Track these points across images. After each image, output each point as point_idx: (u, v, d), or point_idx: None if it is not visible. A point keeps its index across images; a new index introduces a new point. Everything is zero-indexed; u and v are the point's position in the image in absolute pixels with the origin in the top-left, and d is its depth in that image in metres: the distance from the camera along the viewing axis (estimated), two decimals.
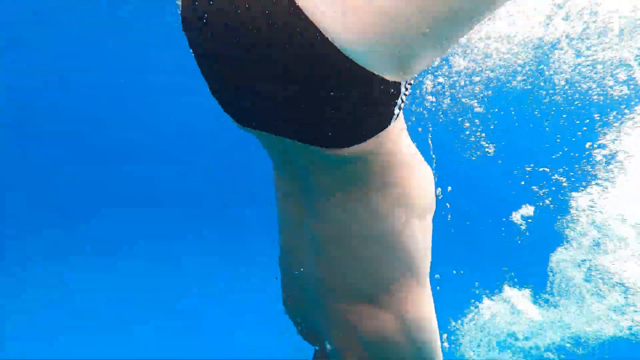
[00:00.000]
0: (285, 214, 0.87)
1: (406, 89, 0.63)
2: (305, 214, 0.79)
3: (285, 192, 0.85)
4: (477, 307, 6.68)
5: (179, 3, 0.55)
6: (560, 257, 6.57)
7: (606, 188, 5.85)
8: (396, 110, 0.63)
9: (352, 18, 0.46)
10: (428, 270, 0.81)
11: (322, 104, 0.54)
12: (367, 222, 0.73)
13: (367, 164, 0.70)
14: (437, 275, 1.01)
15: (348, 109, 0.55)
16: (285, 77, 0.50)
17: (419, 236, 0.77)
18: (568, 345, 7.06)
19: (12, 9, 7.37)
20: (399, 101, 0.62)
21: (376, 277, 0.76)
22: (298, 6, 0.47)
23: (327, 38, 0.47)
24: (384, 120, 0.62)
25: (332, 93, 0.52)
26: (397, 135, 0.71)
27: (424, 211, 0.79)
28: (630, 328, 6.42)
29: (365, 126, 0.61)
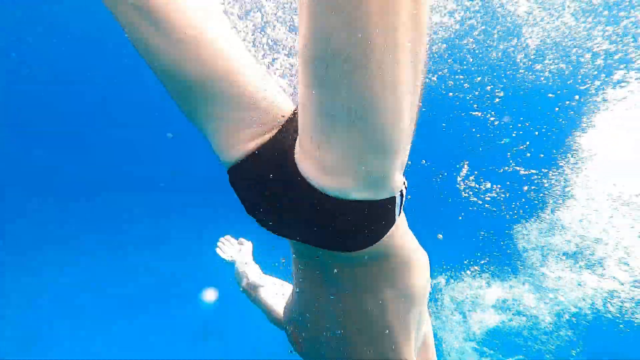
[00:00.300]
0: (303, 289, 1.07)
1: (404, 187, 0.77)
2: (322, 292, 0.98)
3: (304, 274, 1.04)
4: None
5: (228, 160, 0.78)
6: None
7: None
8: (397, 212, 0.76)
9: (325, 174, 0.64)
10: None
11: (332, 228, 0.72)
12: (377, 307, 0.93)
13: (378, 259, 0.86)
14: None
15: (354, 226, 0.72)
16: (308, 216, 0.72)
17: (414, 319, 0.98)
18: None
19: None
20: (398, 203, 0.75)
21: (380, 345, 0.97)
22: (300, 174, 0.68)
23: (313, 186, 0.67)
24: (387, 225, 0.76)
25: (337, 218, 0.70)
26: (402, 233, 0.88)
27: (423, 299, 1.00)
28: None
29: (371, 234, 0.75)
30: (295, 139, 0.71)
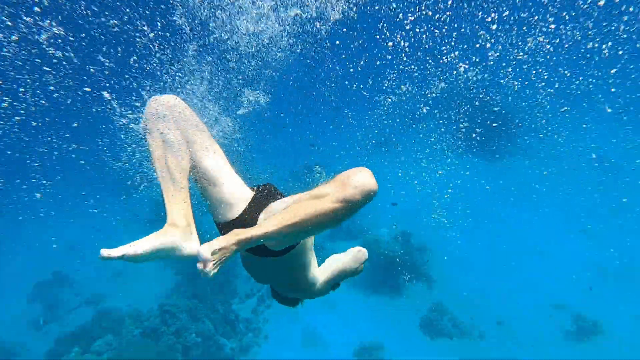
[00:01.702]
0: (251, 264, 1.89)
1: None
2: (266, 266, 1.80)
3: (249, 261, 1.86)
4: None
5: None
6: None
7: None
8: None
9: None
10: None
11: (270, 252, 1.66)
12: (308, 258, 1.88)
13: (303, 248, 1.78)
14: None
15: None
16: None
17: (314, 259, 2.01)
18: None
19: None
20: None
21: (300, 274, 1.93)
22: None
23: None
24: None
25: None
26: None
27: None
28: None
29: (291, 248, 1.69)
30: (251, 219, 1.63)
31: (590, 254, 14.10)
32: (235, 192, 1.59)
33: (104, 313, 11.58)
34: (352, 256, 2.11)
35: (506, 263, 14.35)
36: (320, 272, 2.01)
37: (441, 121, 27.09)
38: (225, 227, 1.60)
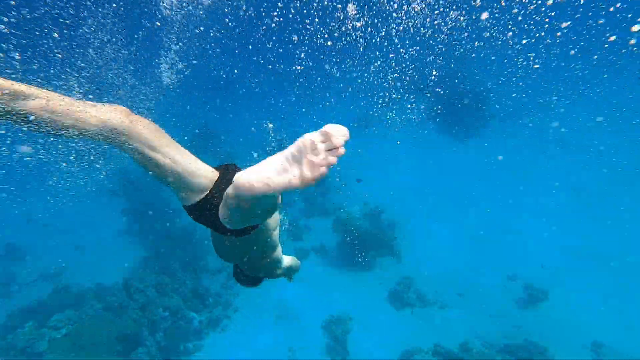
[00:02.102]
0: (221, 243, 1.97)
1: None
2: (235, 243, 1.86)
3: (219, 238, 1.93)
4: None
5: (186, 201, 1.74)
6: None
7: None
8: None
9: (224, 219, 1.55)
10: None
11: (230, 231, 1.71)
12: (272, 237, 1.98)
13: (267, 227, 1.91)
14: None
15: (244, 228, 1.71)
16: (221, 227, 1.65)
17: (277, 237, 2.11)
18: None
19: None
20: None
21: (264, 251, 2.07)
22: (219, 216, 1.56)
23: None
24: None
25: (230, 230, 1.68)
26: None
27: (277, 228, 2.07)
28: None
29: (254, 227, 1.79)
30: (218, 201, 1.57)
31: (549, 233, 15.05)
32: (202, 169, 1.64)
33: (63, 288, 11.05)
34: (293, 261, 2.87)
35: (469, 239, 15.07)
36: (280, 256, 2.33)
37: (413, 97, 27.44)
38: (192, 211, 1.67)
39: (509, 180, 19.76)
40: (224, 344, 10.37)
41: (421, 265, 13.24)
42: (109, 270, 13.13)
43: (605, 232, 14.60)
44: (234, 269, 2.43)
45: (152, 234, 15.13)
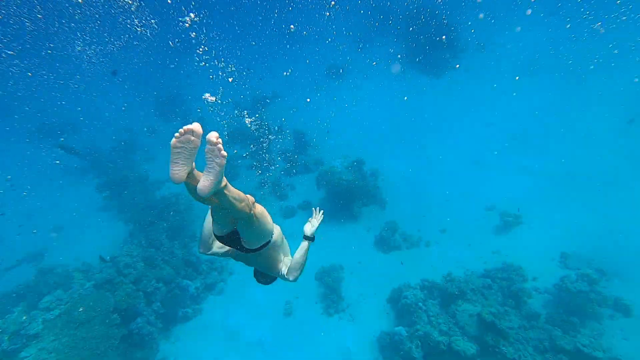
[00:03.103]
0: (244, 257, 2.77)
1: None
2: (246, 257, 2.77)
3: (224, 252, 2.77)
4: None
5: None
6: None
7: None
8: (270, 240, 2.70)
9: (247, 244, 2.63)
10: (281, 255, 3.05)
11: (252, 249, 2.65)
12: (273, 253, 2.85)
13: (271, 245, 2.72)
14: None
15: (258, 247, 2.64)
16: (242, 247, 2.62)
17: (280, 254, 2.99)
18: None
19: None
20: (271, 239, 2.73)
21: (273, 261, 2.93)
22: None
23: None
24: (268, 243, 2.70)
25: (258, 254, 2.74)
26: (275, 234, 2.77)
27: (282, 245, 3.00)
28: None
29: (264, 245, 2.65)
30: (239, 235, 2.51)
31: (520, 160, 15.58)
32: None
33: (47, 269, 10.81)
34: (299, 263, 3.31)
35: (447, 175, 15.50)
36: (283, 264, 2.99)
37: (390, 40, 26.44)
38: (222, 239, 2.56)
39: (478, 113, 19.96)
40: (223, 305, 10.68)
41: (404, 209, 13.67)
42: (93, 248, 12.89)
43: (572, 152, 15.14)
44: (254, 271, 3.12)
45: (132, 208, 14.74)
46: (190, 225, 14.27)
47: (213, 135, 1.84)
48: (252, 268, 3.02)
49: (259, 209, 2.33)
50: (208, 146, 1.89)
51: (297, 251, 3.01)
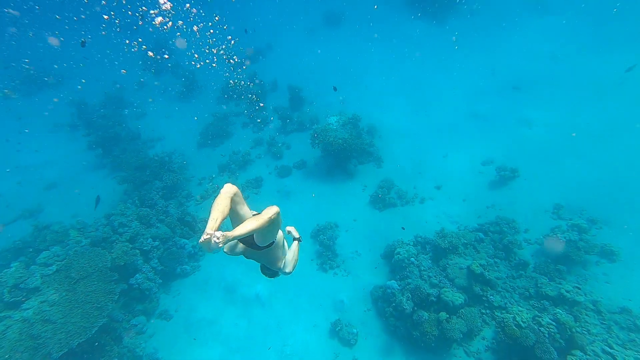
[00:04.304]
0: (251, 253, 3.30)
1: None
2: (254, 254, 3.29)
3: (250, 251, 3.28)
4: None
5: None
6: None
7: None
8: (275, 238, 3.22)
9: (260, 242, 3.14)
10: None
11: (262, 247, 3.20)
12: (276, 251, 3.39)
13: (276, 243, 3.30)
14: None
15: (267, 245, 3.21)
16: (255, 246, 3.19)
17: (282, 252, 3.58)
18: None
19: None
20: (277, 239, 3.31)
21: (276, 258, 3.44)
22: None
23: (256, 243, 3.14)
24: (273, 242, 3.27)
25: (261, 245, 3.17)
26: (279, 235, 3.34)
27: (283, 245, 3.60)
28: None
29: (270, 243, 3.21)
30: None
31: (520, 112, 15.13)
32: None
33: (44, 227, 10.90)
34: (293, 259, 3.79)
35: (445, 131, 15.13)
36: (282, 260, 3.51)
37: None
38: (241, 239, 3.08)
39: (481, 62, 19.08)
40: (220, 261, 10.89)
41: (400, 166, 13.50)
42: (87, 207, 12.90)
43: (575, 102, 14.67)
44: (261, 266, 3.65)
45: (125, 167, 14.53)
46: (186, 185, 14.17)
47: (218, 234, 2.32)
48: (259, 265, 3.67)
49: (271, 213, 2.79)
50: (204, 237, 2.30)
51: (289, 250, 3.68)
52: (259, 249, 3.09)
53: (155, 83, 23.26)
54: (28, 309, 7.83)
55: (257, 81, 20.22)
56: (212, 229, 2.35)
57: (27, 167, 17.02)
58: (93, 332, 7.53)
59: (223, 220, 2.58)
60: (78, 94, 21.85)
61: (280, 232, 3.30)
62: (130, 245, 9.85)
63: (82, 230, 10.49)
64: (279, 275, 3.79)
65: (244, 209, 3.08)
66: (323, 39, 25.70)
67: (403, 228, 9.97)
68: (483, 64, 19.13)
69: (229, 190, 2.80)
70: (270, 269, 3.66)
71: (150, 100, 21.61)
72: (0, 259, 10.16)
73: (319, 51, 23.85)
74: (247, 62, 22.69)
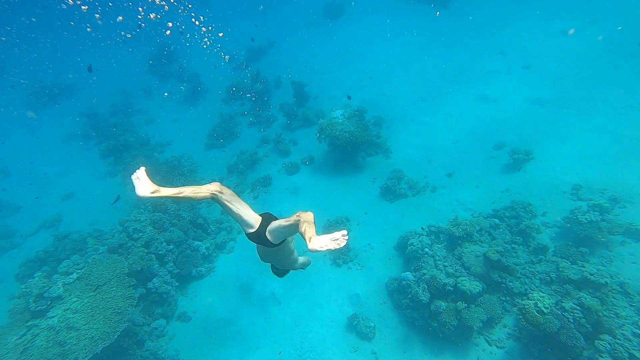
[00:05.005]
0: (263, 251, 3.31)
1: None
2: (266, 251, 3.28)
3: (262, 249, 3.30)
4: None
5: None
6: None
7: None
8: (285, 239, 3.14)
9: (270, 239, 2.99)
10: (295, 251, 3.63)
11: (272, 244, 3.07)
12: (289, 248, 3.42)
13: (288, 241, 3.27)
14: None
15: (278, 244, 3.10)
16: (266, 242, 3.01)
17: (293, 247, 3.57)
18: None
19: None
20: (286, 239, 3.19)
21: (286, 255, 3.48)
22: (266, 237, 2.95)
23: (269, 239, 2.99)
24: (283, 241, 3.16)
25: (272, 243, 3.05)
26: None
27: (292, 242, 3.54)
28: None
29: (281, 242, 3.10)
30: (264, 231, 2.92)
31: (532, 92, 14.64)
32: (253, 217, 2.97)
33: (64, 236, 11.25)
34: (306, 259, 3.93)
35: (454, 116, 14.77)
36: (292, 260, 3.60)
37: None
38: (250, 237, 3.00)
39: (488, 43, 18.49)
40: (235, 262, 10.99)
41: (409, 156, 13.27)
42: (102, 214, 13.19)
43: (583, 77, 14.10)
44: (271, 267, 3.81)
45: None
46: None
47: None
48: (269, 265, 3.83)
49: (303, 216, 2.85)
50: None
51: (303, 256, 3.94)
52: (273, 246, 3.11)
53: (165, 94, 23.53)
54: (53, 317, 8.06)
55: (263, 80, 20.15)
56: (156, 186, 2.44)
57: (44, 179, 17.52)
58: (115, 337, 7.70)
59: (178, 195, 2.55)
60: (88, 104, 22.31)
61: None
62: (146, 250, 10.02)
63: (99, 238, 10.73)
64: (288, 273, 3.93)
65: (242, 209, 2.99)
66: (325, 32, 25.41)
67: (423, 228, 9.72)
68: (491, 44, 18.54)
69: (212, 188, 2.75)
70: (280, 269, 3.79)
71: (159, 108, 21.83)
72: (25, 269, 10.52)
73: (320, 45, 23.61)
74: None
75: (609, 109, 12.44)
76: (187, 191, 2.57)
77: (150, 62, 25.34)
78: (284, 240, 3.09)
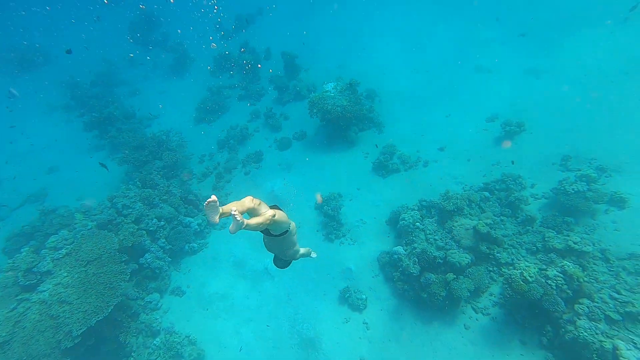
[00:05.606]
0: (269, 242, 3.69)
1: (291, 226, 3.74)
2: (271, 241, 3.66)
3: (266, 239, 3.68)
4: None
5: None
6: None
7: None
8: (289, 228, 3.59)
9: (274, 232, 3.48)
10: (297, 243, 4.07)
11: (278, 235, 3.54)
12: (292, 240, 3.86)
13: (290, 232, 3.66)
14: None
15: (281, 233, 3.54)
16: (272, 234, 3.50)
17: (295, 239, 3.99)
18: None
19: None
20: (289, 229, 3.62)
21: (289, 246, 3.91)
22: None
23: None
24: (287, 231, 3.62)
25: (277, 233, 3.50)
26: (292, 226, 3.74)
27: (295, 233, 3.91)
28: None
29: (284, 232, 3.54)
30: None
31: (526, 62, 14.51)
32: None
33: (50, 210, 10.99)
34: (307, 250, 4.39)
35: (447, 89, 14.58)
36: (294, 250, 3.96)
37: None
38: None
39: (476, 10, 18.07)
40: (227, 238, 10.98)
41: (403, 129, 13.17)
42: (90, 190, 12.89)
43: (583, 47, 13.98)
44: (274, 258, 4.16)
45: (123, 148, 14.34)
46: (186, 163, 14.03)
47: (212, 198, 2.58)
48: (273, 255, 4.12)
49: (278, 214, 3.15)
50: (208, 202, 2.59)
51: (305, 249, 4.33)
52: (275, 236, 3.47)
53: (147, 58, 22.42)
54: (44, 291, 8.01)
55: (242, 50, 19.37)
56: (234, 209, 2.70)
57: (28, 152, 16.88)
58: (109, 310, 7.73)
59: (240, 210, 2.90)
60: (67, 72, 21.18)
61: (293, 223, 3.77)
62: (136, 227, 9.90)
63: (87, 214, 10.52)
64: (290, 265, 4.35)
65: (263, 209, 3.32)
66: (316, 1, 24.29)
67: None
68: (487, 10, 18.04)
69: (247, 204, 3.02)
70: (282, 260, 4.22)
71: (143, 79, 20.90)
72: (11, 243, 10.31)
73: (312, 13, 22.63)
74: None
75: (603, 77, 12.36)
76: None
77: (132, 28, 23.99)
78: (286, 232, 3.51)
